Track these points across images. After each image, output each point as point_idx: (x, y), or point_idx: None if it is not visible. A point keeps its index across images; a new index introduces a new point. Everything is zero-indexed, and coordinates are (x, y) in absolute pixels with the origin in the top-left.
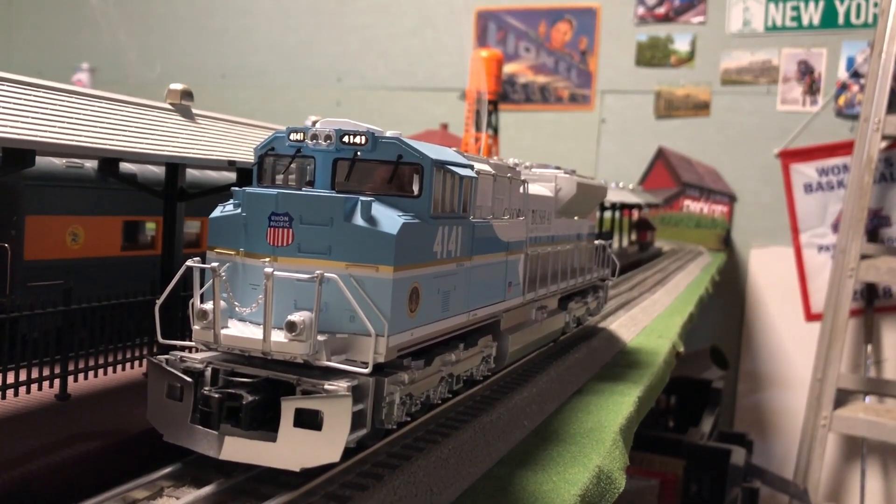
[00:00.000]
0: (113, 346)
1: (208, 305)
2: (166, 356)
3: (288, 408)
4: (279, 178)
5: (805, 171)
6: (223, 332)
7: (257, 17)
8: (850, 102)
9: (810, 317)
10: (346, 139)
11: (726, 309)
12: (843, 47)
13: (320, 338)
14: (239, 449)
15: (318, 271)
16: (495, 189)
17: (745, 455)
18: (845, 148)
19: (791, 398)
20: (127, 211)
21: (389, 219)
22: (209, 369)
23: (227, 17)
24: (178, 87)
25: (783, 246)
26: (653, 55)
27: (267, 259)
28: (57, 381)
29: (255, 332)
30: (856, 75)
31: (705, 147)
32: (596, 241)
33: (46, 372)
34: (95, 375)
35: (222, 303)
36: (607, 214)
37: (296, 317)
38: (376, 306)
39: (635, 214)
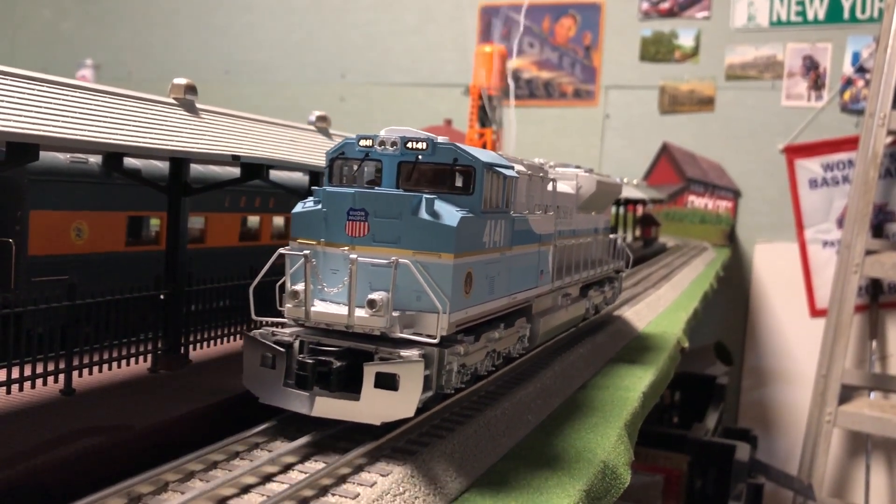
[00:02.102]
0: (118, 342)
1: (299, 287)
2: (259, 331)
3: (369, 372)
4: (348, 178)
5: (810, 167)
6: (312, 309)
7: (261, 13)
8: (856, 97)
9: (815, 312)
10: (409, 145)
11: (731, 305)
12: (848, 42)
13: (394, 314)
14: (328, 407)
15: (393, 258)
16: (529, 187)
17: (750, 451)
18: (850, 143)
19: (795, 394)
20: (131, 206)
21: (449, 213)
22: (297, 341)
23: (231, 13)
24: (181, 81)
25: (788, 241)
26: (657, 50)
27: (346, 248)
28: (62, 377)
29: (340, 309)
30: (861, 70)
31: (710, 142)
32: (611, 235)
33: (51, 367)
34: (100, 371)
35: (301, 285)
36: (612, 210)
37: (375, 296)
38: (439, 288)
39: (640, 210)
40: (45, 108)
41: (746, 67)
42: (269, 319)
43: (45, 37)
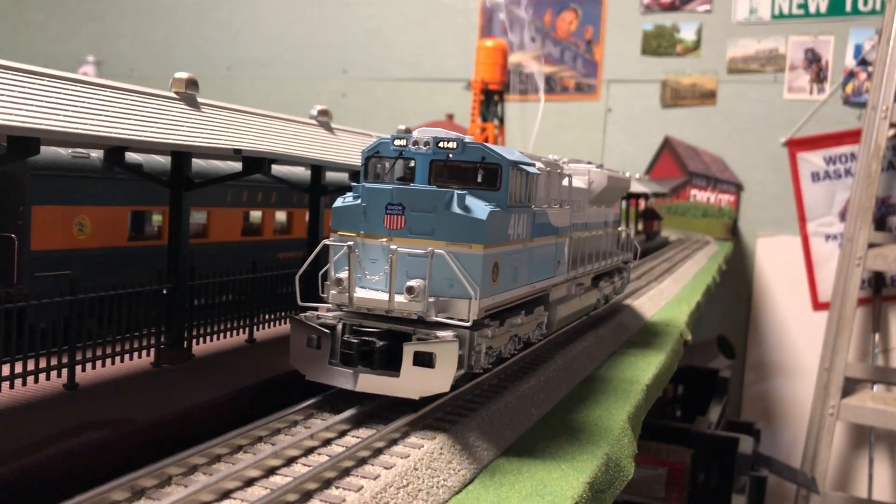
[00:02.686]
0: (121, 337)
1: (343, 274)
2: (305, 315)
3: (408, 351)
4: (382, 175)
5: (812, 160)
6: (355, 295)
7: (262, 9)
8: (858, 90)
9: (818, 306)
10: (441, 144)
11: (733, 299)
12: (850, 35)
13: (430, 300)
14: (370, 383)
15: (429, 248)
16: (548, 183)
17: (753, 444)
18: (853, 136)
19: (798, 387)
20: (133, 201)
21: (479, 207)
22: (340, 324)
23: (233, 9)
24: (182, 75)
25: (790, 235)
26: (659, 44)
27: (384, 239)
28: (65, 371)
29: (381, 295)
30: (863, 63)
31: (712, 136)
32: (619, 228)
33: (55, 362)
34: (104, 365)
35: (345, 273)
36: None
37: (413, 283)
38: (470, 276)
39: (642, 204)
40: (46, 102)
41: (748, 61)
42: (314, 305)
43: (47, 34)
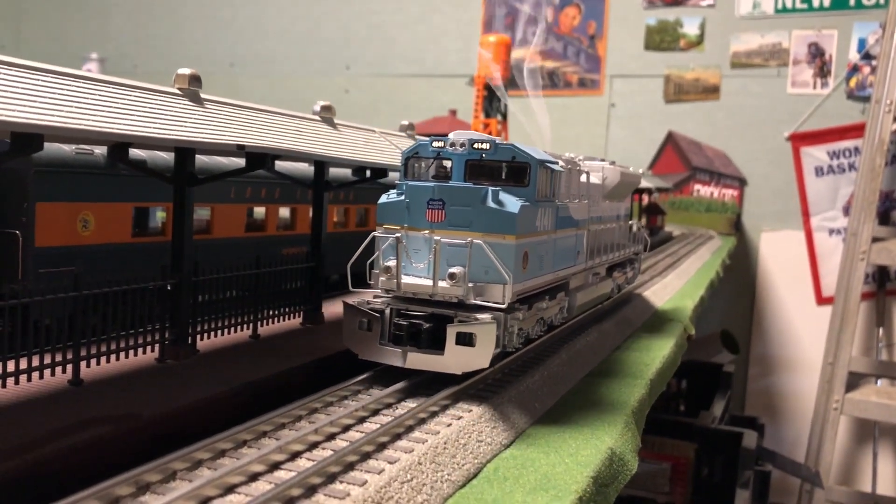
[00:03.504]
0: (125, 332)
1: (391, 263)
2: (356, 300)
3: (451, 332)
4: (420, 174)
5: (816, 154)
6: (402, 281)
7: (265, 5)
8: (862, 84)
9: (821, 300)
10: (475, 145)
11: (737, 293)
12: (854, 28)
13: (469, 284)
14: (417, 360)
15: (468, 239)
16: (569, 179)
17: (757, 438)
18: (856, 130)
19: (802, 382)
20: (137, 197)
21: (511, 202)
22: (388, 308)
23: (235, 5)
24: (186, 71)
25: (794, 229)
26: (662, 39)
27: (426, 231)
28: (70, 367)
29: (425, 281)
30: (867, 57)
31: (715, 131)
32: (630, 221)
33: (59, 358)
34: (108, 361)
35: (393, 262)
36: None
37: (455, 270)
38: (504, 264)
39: (645, 199)
40: (50, 98)
41: (752, 55)
42: (364, 291)
43: (50, 31)
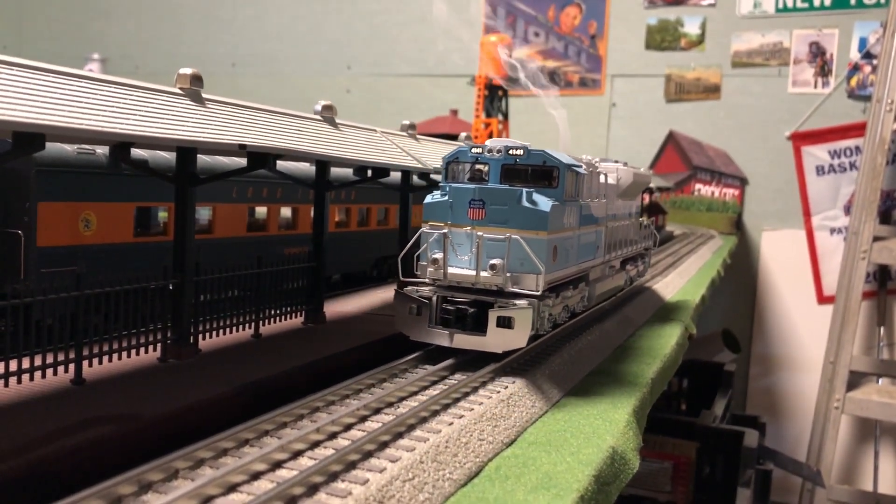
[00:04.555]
0: (127, 332)
1: (438, 255)
2: (406, 289)
3: (493, 316)
4: (458, 177)
5: (817, 154)
6: (448, 271)
7: (266, 5)
8: (863, 83)
9: (822, 299)
10: (510, 151)
11: (738, 292)
12: (855, 28)
13: (507, 274)
14: (463, 341)
15: (507, 235)
16: (590, 180)
17: (758, 437)
18: (857, 129)
19: (803, 381)
20: (139, 197)
21: (543, 202)
22: (435, 296)
23: (236, 5)
24: (187, 71)
25: (795, 229)
26: (663, 38)
27: (468, 228)
28: (72, 366)
29: (469, 271)
30: (868, 56)
31: (716, 130)
32: (640, 219)
33: (61, 357)
34: (110, 360)
35: (439, 254)
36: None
37: (495, 261)
38: (537, 257)
39: (646, 198)
40: (51, 97)
41: (753, 54)
42: (413, 280)
43: (52, 32)
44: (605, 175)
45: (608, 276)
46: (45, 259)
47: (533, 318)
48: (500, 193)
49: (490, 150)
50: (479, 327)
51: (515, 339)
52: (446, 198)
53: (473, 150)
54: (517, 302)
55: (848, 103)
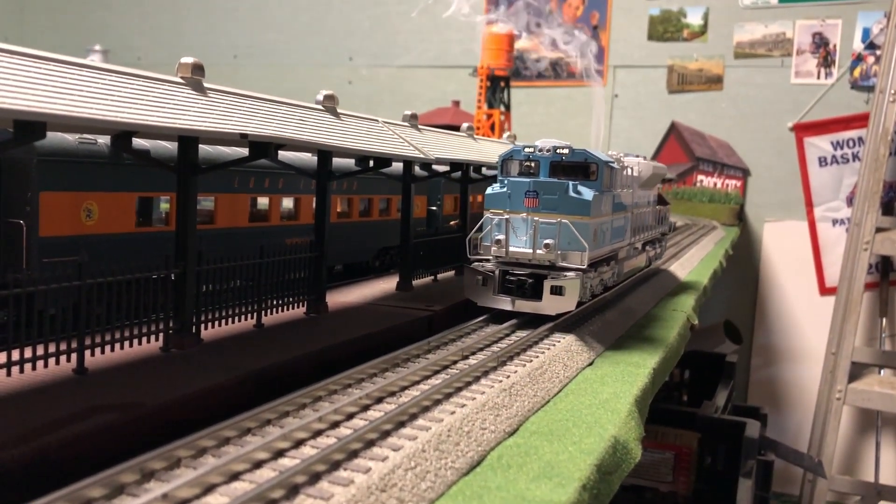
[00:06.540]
0: (129, 321)
1: (500, 237)
2: (473, 264)
3: (547, 285)
4: (511, 171)
5: (819, 145)
6: (510, 249)
7: None
8: (866, 74)
9: (825, 290)
10: (557, 150)
11: (740, 283)
12: (858, 18)
13: (558, 252)
14: (523, 305)
15: (558, 219)
16: (620, 173)
17: (760, 428)
18: (860, 120)
19: (805, 372)
20: (141, 187)
21: (587, 192)
22: (498, 270)
23: None
24: (188, 60)
25: (797, 220)
26: (665, 29)
27: (524, 214)
28: (74, 356)
29: (526, 249)
30: (871, 46)
31: (718, 121)
32: (657, 206)
33: (64, 346)
34: (112, 350)
35: (501, 236)
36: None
37: (548, 241)
38: (583, 237)
39: None
40: (52, 86)
41: (755, 45)
42: (479, 258)
43: (54, 23)
44: (631, 168)
45: (633, 255)
46: (47, 249)
47: (580, 287)
48: (551, 185)
49: (540, 150)
50: (536, 295)
51: (566, 303)
52: (505, 189)
53: (526, 149)
54: (567, 274)
55: (851, 94)
